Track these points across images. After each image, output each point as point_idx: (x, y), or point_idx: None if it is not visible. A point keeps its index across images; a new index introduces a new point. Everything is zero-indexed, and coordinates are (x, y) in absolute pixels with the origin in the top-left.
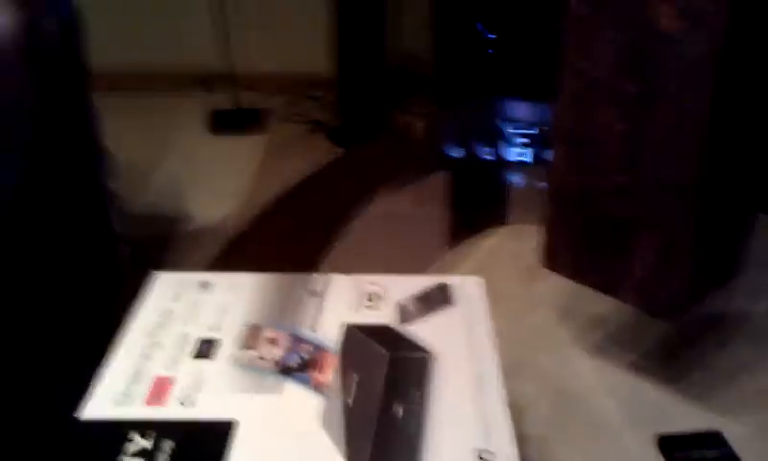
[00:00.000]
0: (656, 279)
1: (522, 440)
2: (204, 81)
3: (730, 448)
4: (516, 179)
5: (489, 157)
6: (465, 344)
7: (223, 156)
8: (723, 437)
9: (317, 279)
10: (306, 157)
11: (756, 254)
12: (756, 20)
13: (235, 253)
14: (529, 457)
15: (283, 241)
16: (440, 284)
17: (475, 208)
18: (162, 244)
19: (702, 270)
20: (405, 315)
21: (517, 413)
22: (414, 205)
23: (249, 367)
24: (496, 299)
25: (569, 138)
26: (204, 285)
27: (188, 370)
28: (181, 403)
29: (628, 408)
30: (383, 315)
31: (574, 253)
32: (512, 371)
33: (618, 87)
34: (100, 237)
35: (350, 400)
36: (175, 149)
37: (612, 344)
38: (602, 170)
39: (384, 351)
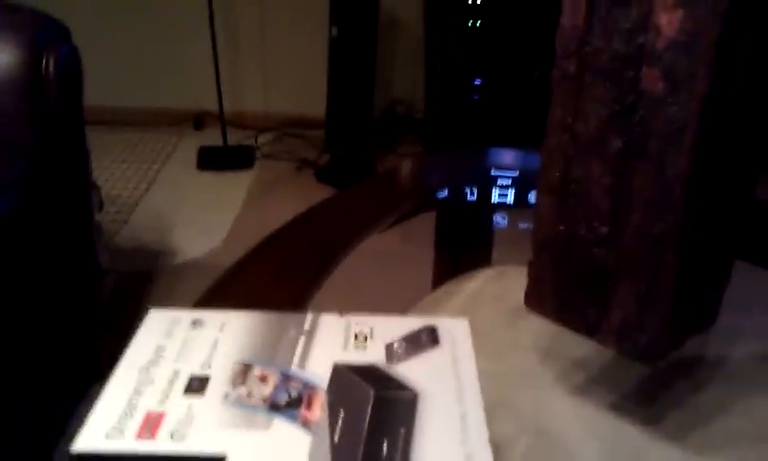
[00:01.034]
0: (635, 325)
1: None
2: (193, 117)
3: None
4: (499, 220)
5: (472, 199)
6: (450, 384)
7: (209, 192)
8: None
9: (306, 319)
10: (293, 194)
11: (733, 299)
12: (737, 84)
13: (221, 289)
14: None
15: (270, 278)
16: (427, 326)
17: (460, 249)
18: (147, 278)
19: (681, 317)
20: (392, 355)
21: (496, 451)
22: (400, 244)
23: (238, 403)
24: (479, 340)
25: (556, 189)
26: (196, 323)
27: (179, 405)
28: (172, 437)
29: (605, 447)
30: (371, 354)
31: (558, 297)
32: (492, 410)
33: (604, 143)
34: (84, 269)
35: (337, 437)
36: (161, 184)
37: (593, 385)
38: (587, 221)
39: (370, 388)
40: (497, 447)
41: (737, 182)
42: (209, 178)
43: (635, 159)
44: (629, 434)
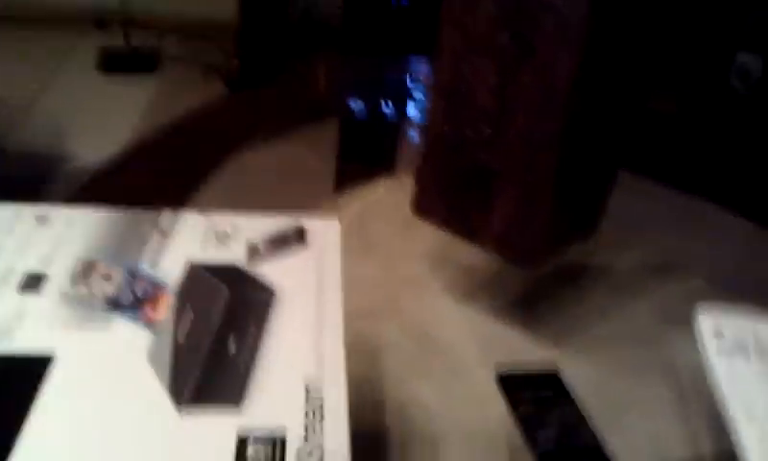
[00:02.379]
0: (514, 229)
1: (380, 378)
2: (95, 16)
3: (565, 387)
4: (413, 134)
5: (387, 112)
6: (312, 285)
7: (110, 96)
8: (559, 378)
9: (164, 216)
10: (199, 101)
11: (620, 211)
12: None
13: (103, 188)
14: (386, 393)
15: (158, 180)
16: (294, 226)
17: (365, 160)
18: (35, 185)
19: (561, 223)
20: (254, 255)
21: (378, 353)
22: (305, 153)
23: (76, 302)
24: (373, 247)
25: (445, 90)
26: (41, 219)
27: (10, 302)
28: None
29: (485, 351)
30: (231, 254)
31: (443, 201)
32: (379, 315)
33: (494, 41)
34: None
35: (182, 336)
36: (60, 88)
37: (479, 292)
38: (473, 121)
39: (224, 287)
40: (382, 348)
41: (625, 90)
42: (111, 81)
43: (522, 58)
44: (508, 337)
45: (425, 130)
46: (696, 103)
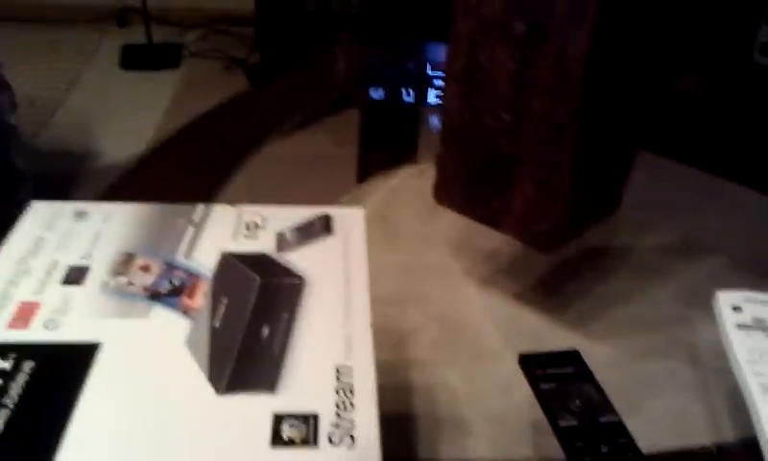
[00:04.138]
0: (535, 212)
1: (407, 363)
2: (116, 14)
3: (585, 365)
4: (434, 120)
5: (408, 100)
6: (338, 271)
7: (134, 92)
8: (579, 355)
9: (196, 209)
10: (222, 95)
11: (639, 191)
12: None
13: (124, 184)
14: (412, 379)
15: (177, 173)
16: (320, 215)
17: (388, 149)
18: (67, 182)
19: (581, 204)
20: (283, 244)
21: (404, 339)
22: (328, 143)
23: (117, 292)
24: (395, 234)
25: (462, 77)
26: (80, 215)
27: (55, 295)
28: (46, 327)
29: (508, 334)
30: (261, 244)
31: (464, 188)
32: (403, 301)
33: (508, 26)
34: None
35: (217, 323)
36: (83, 84)
37: (502, 276)
38: (491, 109)
39: (255, 275)
40: (407, 333)
41: (645, 70)
42: (134, 77)
43: (537, 43)
44: (531, 321)
45: (444, 118)
46: (719, 81)
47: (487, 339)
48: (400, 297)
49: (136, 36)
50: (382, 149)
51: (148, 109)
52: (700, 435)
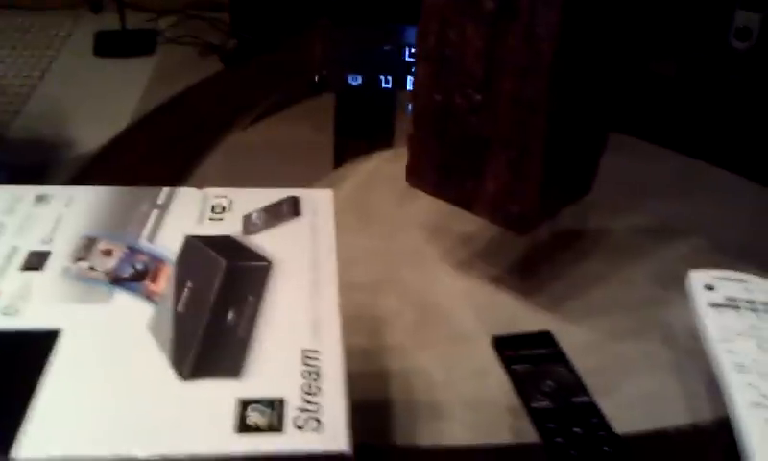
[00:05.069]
0: (507, 193)
1: (382, 349)
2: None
3: (557, 345)
4: (409, 104)
5: (385, 85)
6: (306, 253)
7: (108, 79)
8: (552, 336)
9: (161, 192)
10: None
11: (614, 173)
12: None
13: (102, 169)
14: (388, 364)
15: (144, 158)
16: (288, 197)
17: (365, 135)
18: (41, 171)
19: (553, 185)
20: (249, 226)
21: (379, 324)
22: (305, 128)
23: (78, 277)
24: (370, 218)
25: (432, 56)
26: (41, 198)
27: (14, 281)
28: (5, 314)
29: (484, 318)
30: (227, 227)
31: (436, 170)
32: (378, 286)
33: (478, 4)
34: None
35: (181, 307)
36: (56, 72)
37: (477, 260)
38: (461, 88)
39: (221, 259)
40: (383, 319)
41: (614, 49)
42: (108, 64)
43: (507, 20)
44: (506, 305)
45: (415, 98)
46: (695, 64)
47: (462, 323)
48: (375, 282)
49: (110, 21)
50: (358, 135)
51: (122, 96)
52: (675, 416)
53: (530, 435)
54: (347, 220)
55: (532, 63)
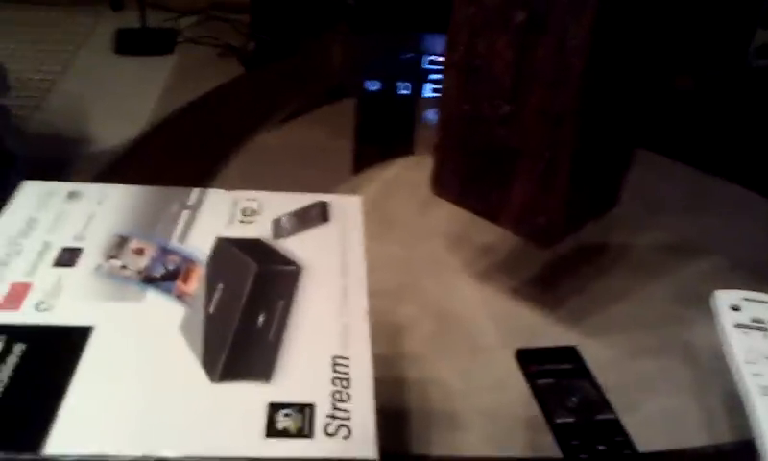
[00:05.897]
0: (533, 206)
1: (401, 357)
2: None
3: (582, 361)
4: (430, 114)
5: (404, 92)
6: (335, 259)
7: (127, 77)
8: (577, 352)
9: (192, 193)
10: (216, 82)
11: (637, 189)
12: None
13: (124, 168)
14: (407, 373)
15: (169, 157)
16: (318, 202)
17: (384, 141)
18: (59, 165)
19: (579, 199)
20: (279, 230)
21: (398, 333)
22: (323, 134)
23: (110, 275)
24: (391, 226)
25: (460, 66)
26: (74, 195)
27: (47, 277)
28: (37, 309)
29: (504, 330)
30: (257, 230)
31: (460, 179)
32: (397, 294)
33: (508, 15)
34: None
35: (212, 309)
36: (76, 68)
37: (497, 271)
38: (490, 99)
39: (252, 262)
40: (402, 327)
41: (642, 64)
42: (128, 62)
43: (537, 33)
44: (526, 317)
45: (442, 108)
46: (714, 80)
47: (482, 334)
48: (395, 290)
49: (131, 20)
50: (378, 141)
51: (141, 94)
52: (695, 436)
53: (549, 450)
54: (367, 226)
55: (561, 76)
